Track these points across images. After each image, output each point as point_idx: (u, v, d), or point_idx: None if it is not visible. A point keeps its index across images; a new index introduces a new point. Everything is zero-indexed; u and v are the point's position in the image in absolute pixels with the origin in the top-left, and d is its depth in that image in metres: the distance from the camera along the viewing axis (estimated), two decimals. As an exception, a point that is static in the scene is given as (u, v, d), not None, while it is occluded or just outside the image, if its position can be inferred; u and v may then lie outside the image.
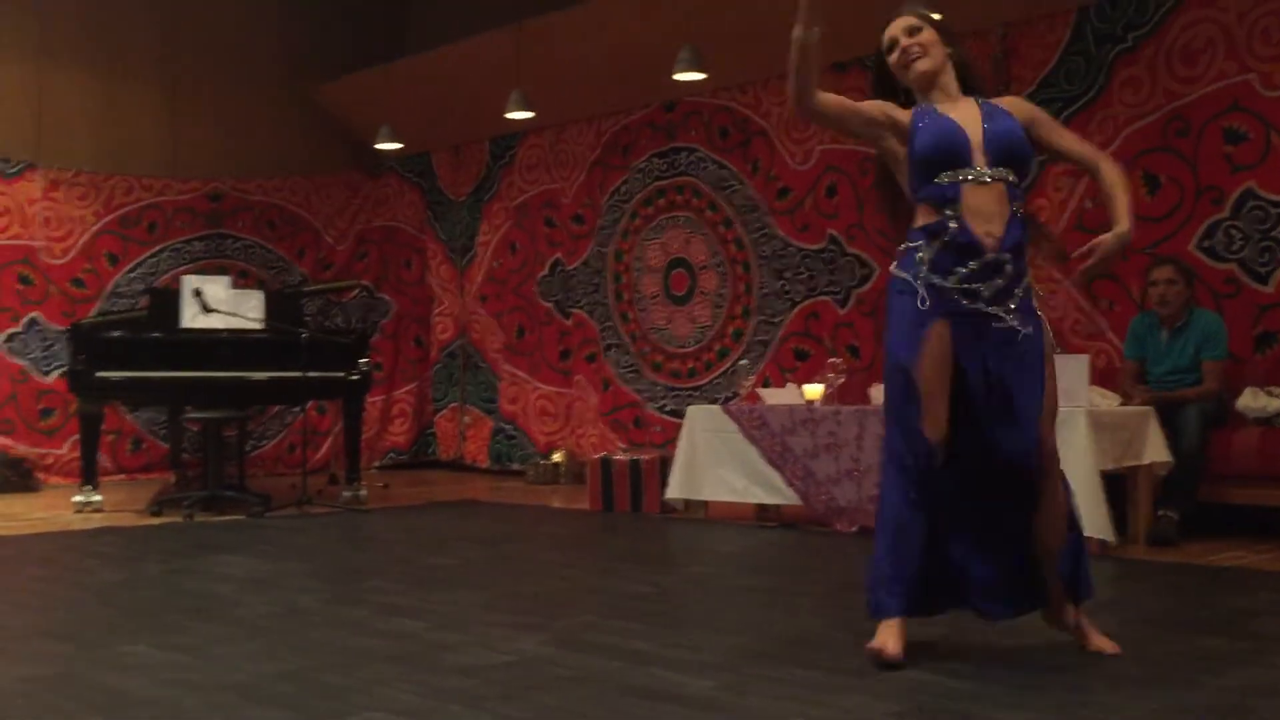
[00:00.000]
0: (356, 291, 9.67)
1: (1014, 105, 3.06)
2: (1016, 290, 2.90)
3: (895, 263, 3.01)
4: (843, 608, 3.62)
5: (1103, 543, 4.70)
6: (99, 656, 3.00)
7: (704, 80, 7.48)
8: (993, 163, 2.90)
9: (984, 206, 2.88)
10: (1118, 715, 2.42)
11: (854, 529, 5.46)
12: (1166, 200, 5.97)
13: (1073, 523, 3.03)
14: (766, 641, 3.14)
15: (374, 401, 9.26)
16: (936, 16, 3.09)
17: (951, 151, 2.91)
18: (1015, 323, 2.88)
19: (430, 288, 10.03)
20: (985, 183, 2.89)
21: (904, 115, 3.01)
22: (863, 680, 2.70)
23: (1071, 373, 5.00)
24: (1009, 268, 2.88)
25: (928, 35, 3.03)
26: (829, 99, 3.01)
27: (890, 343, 2.99)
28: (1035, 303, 2.97)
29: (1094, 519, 4.67)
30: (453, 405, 9.82)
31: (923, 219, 2.94)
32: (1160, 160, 5.99)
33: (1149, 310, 5.60)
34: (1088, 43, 6.26)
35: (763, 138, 7.67)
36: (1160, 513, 5.08)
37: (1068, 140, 3.10)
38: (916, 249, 2.93)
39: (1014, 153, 2.94)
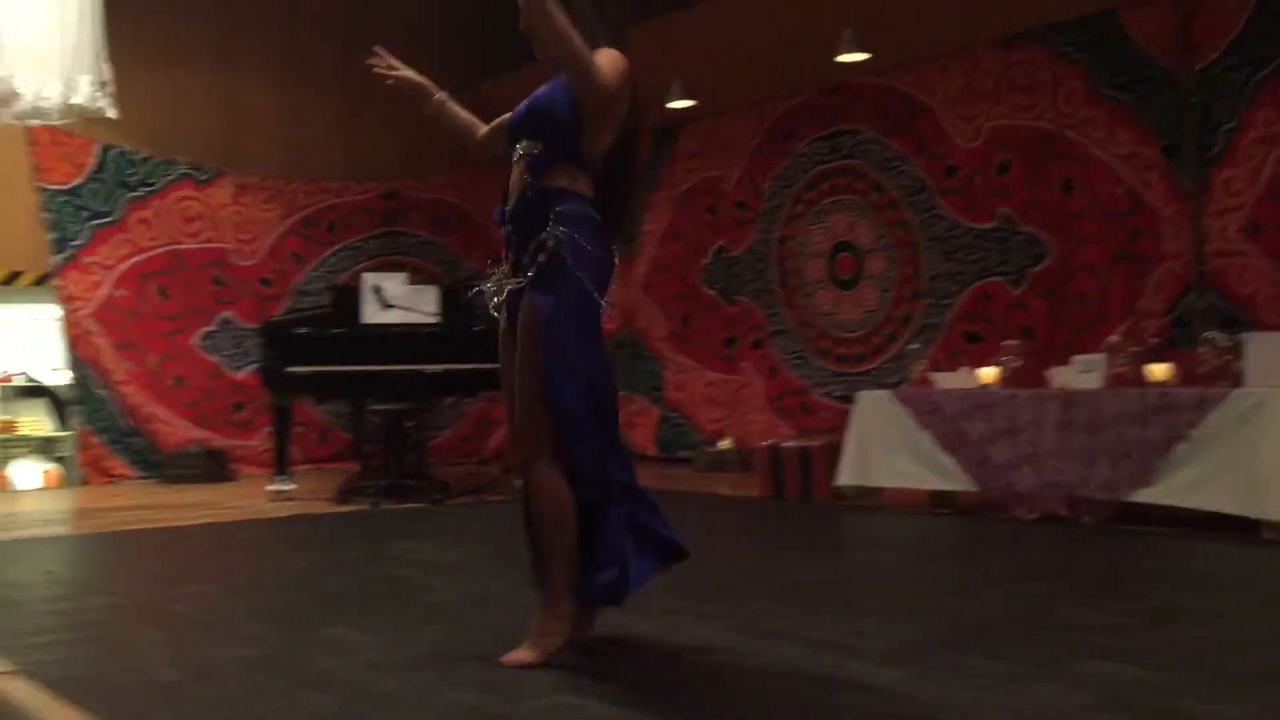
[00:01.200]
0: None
1: None
2: (524, 259, 2.76)
3: None
4: (1028, 596, 3.54)
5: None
6: (301, 638, 3.17)
7: (867, 60, 7.37)
8: (517, 138, 2.86)
9: (513, 185, 2.85)
10: (1332, 712, 2.31)
11: (1034, 515, 5.32)
12: (1371, 165, 5.60)
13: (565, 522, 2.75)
14: (949, 630, 3.10)
15: (543, 391, 9.44)
16: None
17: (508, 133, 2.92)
18: (510, 291, 2.81)
19: (595, 278, 10.16)
20: (514, 160, 2.87)
21: None
22: (1053, 671, 2.64)
23: (1272, 351, 4.76)
24: (513, 239, 2.80)
25: None
26: (485, 135, 3.12)
27: None
28: (563, 268, 2.70)
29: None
30: (619, 394, 9.94)
31: None
32: (1363, 123, 5.62)
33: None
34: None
35: (928, 116, 7.50)
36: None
37: None
38: None
39: (531, 122, 2.84)
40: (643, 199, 2.86)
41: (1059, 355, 6.28)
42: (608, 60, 2.76)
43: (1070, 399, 5.24)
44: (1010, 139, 7.02)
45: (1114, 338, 5.51)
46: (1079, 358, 5.50)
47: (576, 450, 2.75)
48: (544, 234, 2.73)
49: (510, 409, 2.86)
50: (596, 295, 2.75)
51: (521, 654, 2.76)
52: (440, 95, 3.13)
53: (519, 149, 2.84)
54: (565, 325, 2.70)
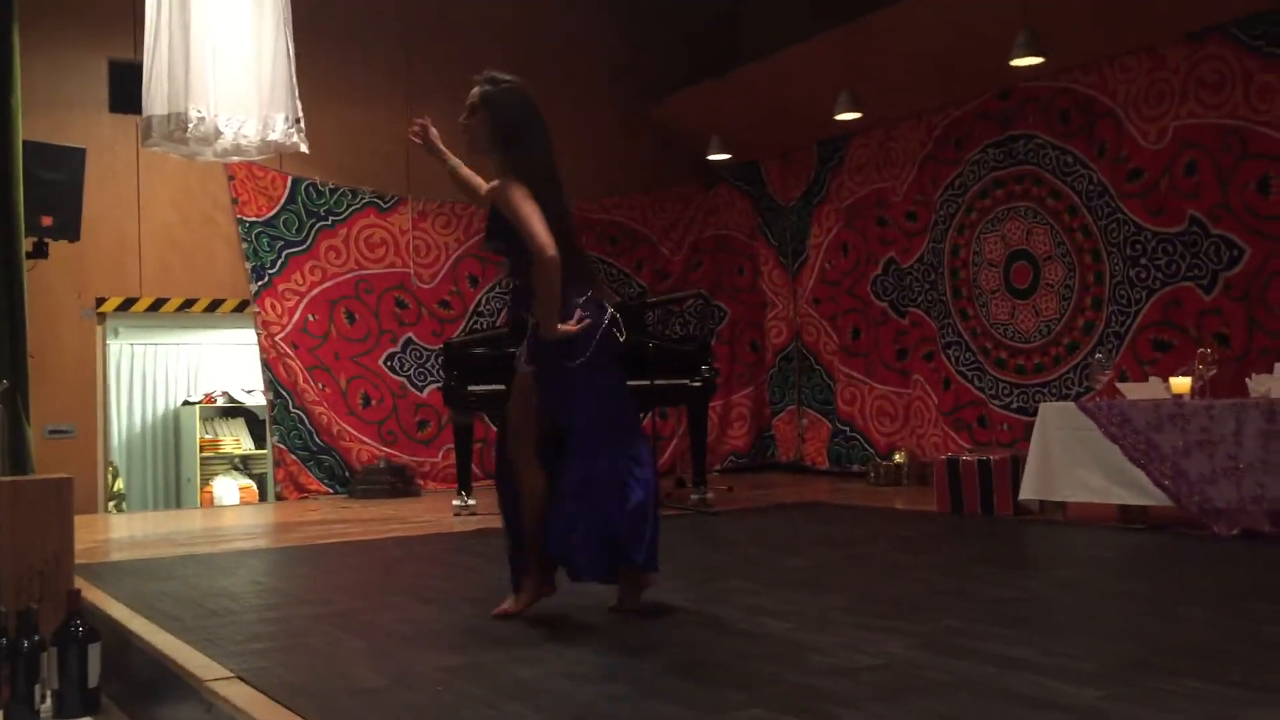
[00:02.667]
0: (691, 300, 9.95)
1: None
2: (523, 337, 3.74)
3: None
4: (1238, 617, 3.38)
5: None
6: (498, 648, 3.27)
7: (1042, 64, 7.18)
8: (491, 247, 3.93)
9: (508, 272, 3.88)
10: None
11: (1234, 532, 5.07)
12: None
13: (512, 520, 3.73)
14: (1153, 651, 2.99)
15: (713, 406, 9.47)
16: (489, 85, 3.94)
17: None
18: (519, 366, 3.75)
19: (763, 293, 10.17)
20: None
21: None
22: (1272, 694, 2.52)
23: None
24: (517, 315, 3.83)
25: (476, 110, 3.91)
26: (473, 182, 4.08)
27: None
28: (542, 349, 3.61)
29: None
30: (790, 408, 9.91)
31: None
32: None
33: None
34: None
35: (1109, 118, 7.25)
36: None
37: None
38: None
39: (494, 240, 3.80)
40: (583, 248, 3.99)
41: (1257, 363, 5.99)
42: (517, 192, 3.67)
43: (1274, 408, 4.99)
44: (1199, 138, 6.73)
45: (1320, 344, 5.22)
46: (1282, 365, 5.24)
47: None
48: (530, 325, 3.65)
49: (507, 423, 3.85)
50: (567, 363, 3.58)
51: (506, 605, 3.68)
52: (453, 162, 4.14)
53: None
54: (552, 384, 3.64)
